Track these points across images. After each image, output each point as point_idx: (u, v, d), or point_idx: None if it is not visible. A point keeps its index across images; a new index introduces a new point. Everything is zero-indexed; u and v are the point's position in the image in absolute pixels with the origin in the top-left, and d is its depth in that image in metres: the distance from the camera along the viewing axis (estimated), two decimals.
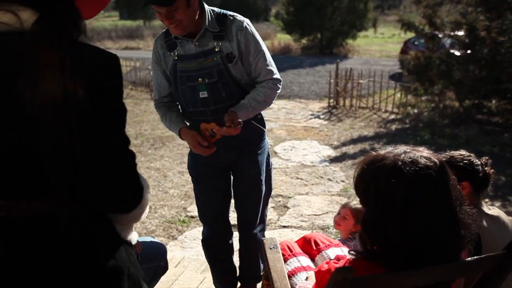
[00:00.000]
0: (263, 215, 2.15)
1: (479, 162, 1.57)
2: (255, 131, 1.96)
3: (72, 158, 0.83)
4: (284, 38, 19.11)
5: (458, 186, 1.03)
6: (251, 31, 1.79)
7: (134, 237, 1.04)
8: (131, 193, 0.93)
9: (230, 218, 2.17)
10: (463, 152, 1.61)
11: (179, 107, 1.97)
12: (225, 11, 1.82)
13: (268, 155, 2.07)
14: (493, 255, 1.03)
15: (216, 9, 1.82)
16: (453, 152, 1.62)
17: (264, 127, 2.00)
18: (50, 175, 0.83)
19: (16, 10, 0.84)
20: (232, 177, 2.08)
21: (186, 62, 1.79)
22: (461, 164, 1.55)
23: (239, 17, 1.80)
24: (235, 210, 2.15)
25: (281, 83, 1.90)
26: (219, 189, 2.05)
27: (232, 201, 2.14)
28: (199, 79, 1.77)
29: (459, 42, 6.30)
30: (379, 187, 0.99)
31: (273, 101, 1.90)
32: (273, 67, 1.86)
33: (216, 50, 1.75)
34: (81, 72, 0.83)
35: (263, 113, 1.98)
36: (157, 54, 1.87)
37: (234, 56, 1.77)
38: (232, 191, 2.11)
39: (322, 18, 16.46)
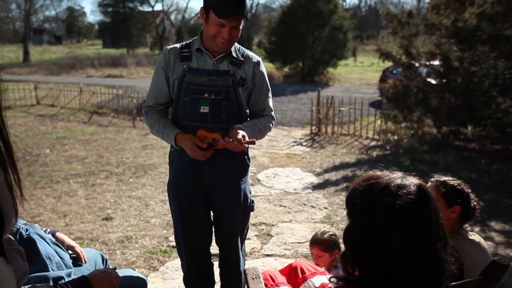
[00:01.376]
0: (243, 251, 2.14)
1: (472, 194, 1.65)
2: (243, 164, 2.00)
3: None
4: (266, 66, 19.22)
5: (443, 224, 1.05)
6: (264, 69, 1.98)
7: None
8: None
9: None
10: (454, 178, 1.68)
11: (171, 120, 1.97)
12: (244, 48, 1.98)
13: (250, 192, 2.09)
14: (470, 280, 1.05)
15: (236, 44, 1.96)
16: (442, 176, 1.69)
17: (250, 161, 2.06)
18: None
19: None
20: (212, 210, 2.07)
21: (197, 75, 1.85)
22: (459, 188, 1.63)
23: (256, 55, 1.99)
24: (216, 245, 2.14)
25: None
26: (201, 221, 2.03)
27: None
28: (205, 94, 1.84)
29: (434, 71, 6.54)
30: (366, 202, 1.03)
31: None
32: (273, 107, 2.03)
33: (230, 72, 1.86)
34: None
35: None
36: (167, 60, 1.91)
37: (247, 81, 1.88)
38: (213, 227, 2.10)
39: (304, 47, 16.91)
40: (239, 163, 1.95)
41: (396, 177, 1.06)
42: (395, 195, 1.00)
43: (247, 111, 1.98)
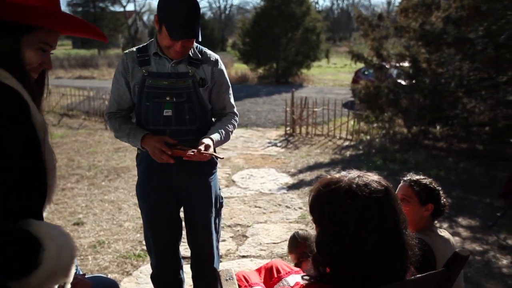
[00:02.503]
0: (217, 249, 2.15)
1: (441, 191, 1.72)
2: (210, 161, 2.01)
3: None
4: (241, 68, 19.50)
5: (403, 210, 1.09)
6: (223, 67, 2.00)
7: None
8: (16, 258, 0.82)
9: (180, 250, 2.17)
10: (425, 176, 1.74)
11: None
12: (201, 46, 1.98)
13: (219, 188, 2.12)
14: (434, 272, 1.09)
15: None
16: (414, 175, 1.75)
17: (217, 159, 2.04)
18: None
19: None
20: (183, 210, 2.09)
21: (157, 79, 1.86)
22: (431, 186, 1.69)
23: (213, 53, 2.00)
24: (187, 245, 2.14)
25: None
26: (170, 219, 2.05)
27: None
28: (167, 97, 1.85)
29: (404, 72, 6.72)
30: (334, 208, 1.03)
31: None
32: (234, 103, 2.06)
33: (189, 74, 1.86)
34: None
35: None
36: (126, 65, 1.90)
37: (207, 81, 1.90)
38: (184, 225, 2.11)
39: (277, 48, 17.03)
40: (205, 163, 1.95)
41: (354, 176, 1.06)
42: (360, 196, 1.01)
43: (212, 111, 2.02)
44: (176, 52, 1.80)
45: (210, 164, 2.01)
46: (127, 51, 1.96)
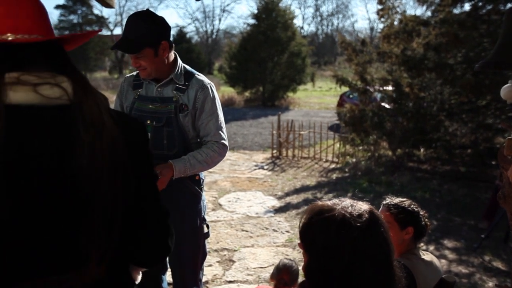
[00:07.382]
0: (197, 279, 2.08)
1: (421, 212, 1.71)
2: (190, 192, 1.95)
3: (118, 227, 0.87)
4: (227, 91, 19.64)
5: (391, 242, 1.08)
6: (212, 93, 1.91)
7: (139, 278, 1.13)
8: (167, 250, 1.04)
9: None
10: (404, 199, 1.74)
11: None
12: (194, 71, 1.96)
13: (204, 219, 2.04)
14: None
15: (187, 66, 1.96)
16: (394, 197, 1.75)
17: (201, 190, 2.00)
18: (86, 247, 0.83)
19: (61, 83, 0.86)
20: None
21: (143, 102, 1.90)
22: (409, 209, 1.68)
23: (205, 78, 1.94)
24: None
25: (227, 150, 1.96)
26: None
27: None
28: (148, 121, 1.86)
29: (388, 96, 6.87)
30: (328, 238, 1.01)
31: (215, 166, 1.96)
32: (223, 133, 1.93)
33: (173, 99, 1.86)
34: (124, 136, 0.89)
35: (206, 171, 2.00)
36: (122, 88, 2.00)
37: (188, 108, 1.87)
38: None
39: (264, 72, 17.27)
40: (185, 192, 1.93)
41: (347, 205, 1.05)
42: (355, 227, 1.00)
43: (197, 139, 1.94)
44: (137, 69, 1.85)
45: (190, 194, 1.95)
46: (128, 74, 2.04)
